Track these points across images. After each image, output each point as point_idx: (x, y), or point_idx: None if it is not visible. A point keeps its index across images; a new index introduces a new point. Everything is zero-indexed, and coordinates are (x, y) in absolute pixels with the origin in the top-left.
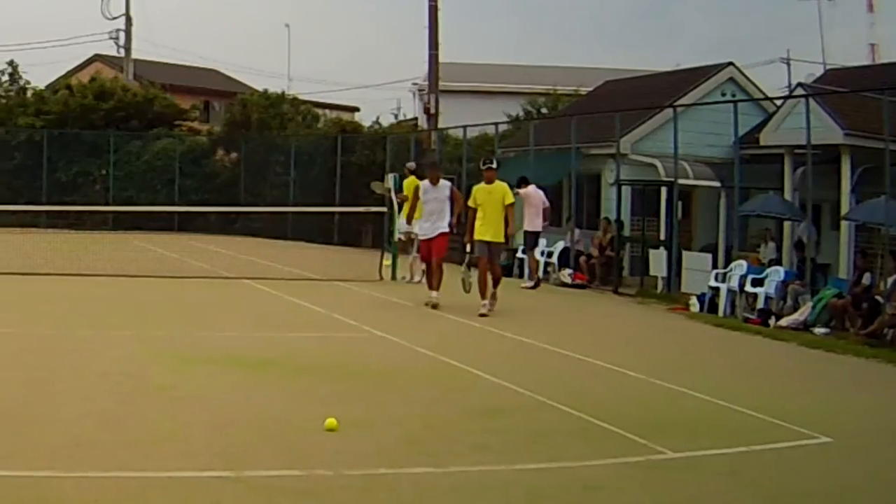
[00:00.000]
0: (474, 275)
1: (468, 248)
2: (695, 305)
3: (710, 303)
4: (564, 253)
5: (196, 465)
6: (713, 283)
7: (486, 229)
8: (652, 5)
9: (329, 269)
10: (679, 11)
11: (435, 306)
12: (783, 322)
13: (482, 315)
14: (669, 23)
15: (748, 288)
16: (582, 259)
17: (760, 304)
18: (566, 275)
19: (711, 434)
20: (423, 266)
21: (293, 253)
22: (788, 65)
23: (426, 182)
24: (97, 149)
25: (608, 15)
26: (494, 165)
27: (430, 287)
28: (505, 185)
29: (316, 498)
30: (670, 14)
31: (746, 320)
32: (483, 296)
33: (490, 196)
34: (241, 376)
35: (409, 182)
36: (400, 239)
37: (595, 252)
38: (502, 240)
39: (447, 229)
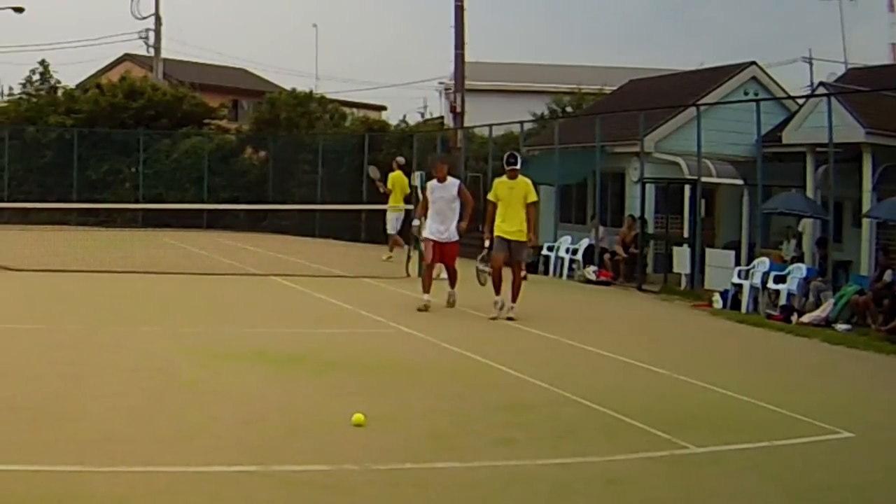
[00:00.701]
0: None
1: (486, 244)
2: (718, 302)
3: (733, 299)
4: (589, 250)
5: (225, 459)
6: (736, 280)
7: (507, 226)
8: (675, 5)
9: (356, 266)
10: (702, 11)
11: (425, 307)
12: (805, 318)
13: (493, 318)
14: (693, 22)
15: (771, 285)
16: (606, 256)
17: (783, 300)
18: (591, 272)
19: (734, 429)
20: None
21: (321, 250)
22: (810, 64)
23: (433, 181)
24: (127, 147)
25: (632, 14)
26: (518, 166)
27: (426, 290)
28: (528, 181)
29: (343, 492)
30: (694, 14)
31: (769, 317)
32: (497, 291)
33: (512, 192)
34: (269, 372)
35: (395, 176)
36: (388, 234)
37: (619, 249)
38: (524, 238)
39: (457, 237)
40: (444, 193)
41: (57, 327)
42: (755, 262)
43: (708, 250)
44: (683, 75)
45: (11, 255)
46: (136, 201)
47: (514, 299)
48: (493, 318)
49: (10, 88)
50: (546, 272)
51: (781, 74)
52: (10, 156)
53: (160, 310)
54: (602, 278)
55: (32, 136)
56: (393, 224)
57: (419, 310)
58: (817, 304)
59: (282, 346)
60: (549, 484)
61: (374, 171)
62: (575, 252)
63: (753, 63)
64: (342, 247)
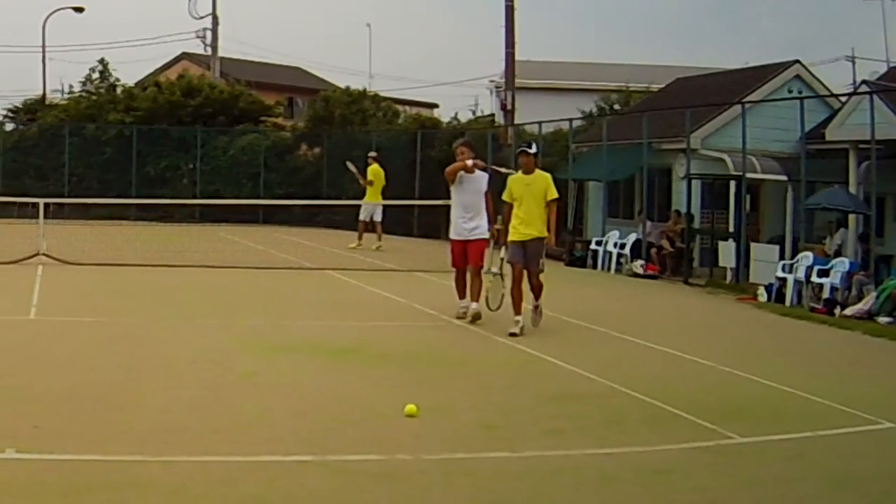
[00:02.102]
0: (507, 284)
1: (501, 253)
2: (762, 295)
3: (777, 293)
4: (636, 244)
5: (280, 449)
6: (780, 274)
7: (524, 229)
8: (722, 5)
9: (409, 260)
10: (748, 11)
11: (476, 317)
12: (848, 311)
13: (512, 334)
14: (738, 22)
15: (814, 278)
16: (653, 250)
17: (826, 294)
18: (638, 266)
19: (778, 420)
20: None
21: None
22: (853, 62)
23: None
24: (185, 144)
25: (680, 14)
26: (532, 150)
27: (462, 296)
28: (548, 175)
29: (396, 481)
30: (739, 13)
31: (812, 310)
32: (516, 310)
33: (529, 189)
34: (324, 364)
35: (374, 170)
36: (363, 221)
37: (666, 244)
38: (544, 234)
39: (486, 235)
40: (475, 186)
41: (116, 320)
42: (799, 256)
43: (753, 245)
44: (729, 74)
45: (72, 249)
46: (194, 197)
47: (537, 298)
48: (514, 335)
49: (71, 86)
50: (594, 266)
51: (825, 73)
52: (70, 152)
53: (217, 303)
54: (649, 272)
55: (92, 133)
56: (367, 213)
57: (458, 318)
58: (860, 298)
59: (336, 338)
60: (597, 473)
61: (351, 165)
62: (623, 246)
63: (797, 62)
64: (395, 241)
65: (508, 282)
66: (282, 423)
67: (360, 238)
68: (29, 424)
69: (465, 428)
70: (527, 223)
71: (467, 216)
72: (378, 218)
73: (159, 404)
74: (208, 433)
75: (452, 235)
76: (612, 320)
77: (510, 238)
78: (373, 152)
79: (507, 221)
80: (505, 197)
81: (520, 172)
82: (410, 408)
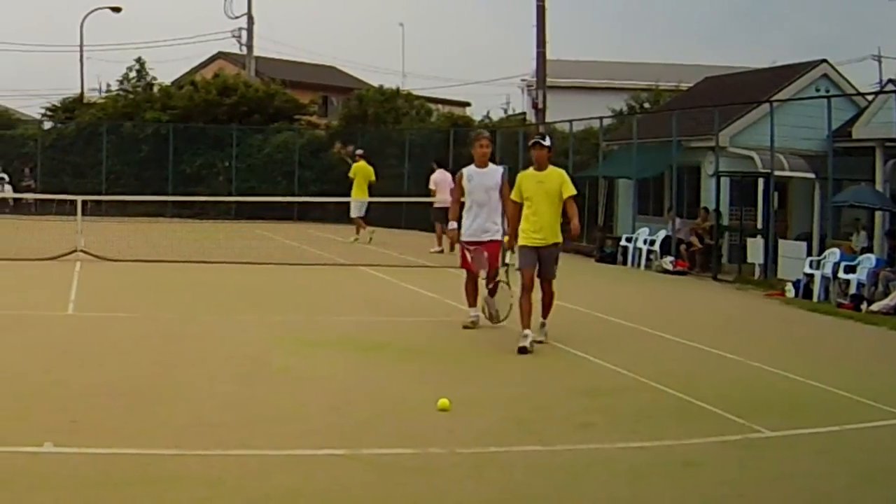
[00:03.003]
0: (501, 299)
1: (506, 258)
2: (790, 291)
3: (804, 289)
4: (666, 241)
5: (314, 443)
6: (808, 270)
7: (536, 232)
8: (750, 5)
9: (441, 256)
10: (775, 11)
11: (473, 325)
12: (874, 307)
13: (522, 349)
14: (766, 22)
15: (841, 274)
16: (682, 247)
17: (853, 289)
18: (667, 262)
19: (806, 414)
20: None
21: (407, 241)
22: (879, 62)
23: (471, 167)
24: (220, 142)
25: (708, 15)
26: (546, 143)
27: (472, 304)
28: (562, 171)
29: (430, 475)
30: (767, 14)
31: (839, 305)
32: (524, 323)
33: (541, 186)
34: (357, 359)
35: (358, 167)
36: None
37: (695, 240)
38: (559, 240)
39: (499, 237)
40: (484, 182)
41: (153, 316)
42: (826, 252)
43: (781, 241)
44: (757, 73)
45: (110, 245)
46: (230, 194)
47: (545, 314)
48: (524, 350)
49: (108, 85)
50: (624, 262)
51: (851, 72)
52: (108, 150)
53: (252, 299)
54: (678, 268)
55: (129, 131)
56: (357, 210)
57: (465, 327)
58: (886, 293)
59: (369, 333)
60: (628, 466)
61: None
62: (652, 243)
63: (824, 61)
64: (428, 238)
65: (517, 289)
66: (316, 417)
67: (370, 231)
68: (67, 419)
69: (498, 422)
70: (540, 227)
71: (479, 215)
72: (354, 214)
73: (195, 399)
74: (243, 427)
75: (464, 238)
76: (641, 316)
77: (521, 243)
78: (359, 150)
79: (512, 222)
80: (513, 196)
81: (531, 168)
82: (443, 402)
